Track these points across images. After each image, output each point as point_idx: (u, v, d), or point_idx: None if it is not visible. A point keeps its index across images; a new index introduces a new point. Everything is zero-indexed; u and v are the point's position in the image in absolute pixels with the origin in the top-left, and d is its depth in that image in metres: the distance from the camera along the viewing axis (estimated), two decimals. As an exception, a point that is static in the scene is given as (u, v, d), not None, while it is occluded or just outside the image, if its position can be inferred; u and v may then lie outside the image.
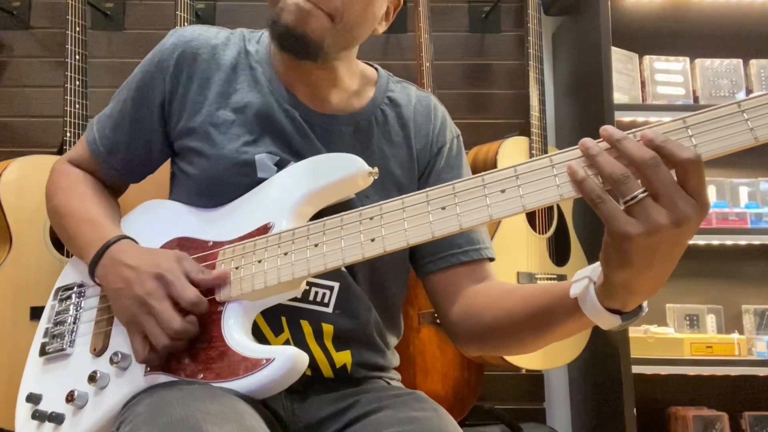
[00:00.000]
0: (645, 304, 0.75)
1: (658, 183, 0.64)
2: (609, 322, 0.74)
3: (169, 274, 0.85)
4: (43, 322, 1.02)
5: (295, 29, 0.91)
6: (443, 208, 0.76)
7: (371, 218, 0.81)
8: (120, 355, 0.88)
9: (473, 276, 1.01)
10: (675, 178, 0.65)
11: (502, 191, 0.72)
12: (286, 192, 0.92)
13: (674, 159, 0.64)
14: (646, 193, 0.65)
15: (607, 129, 0.68)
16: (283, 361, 0.80)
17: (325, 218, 0.84)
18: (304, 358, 0.82)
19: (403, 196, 0.79)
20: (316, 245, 0.83)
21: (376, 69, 1.10)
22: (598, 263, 0.73)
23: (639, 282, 0.70)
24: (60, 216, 1.04)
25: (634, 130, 0.69)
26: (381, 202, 0.81)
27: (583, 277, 0.75)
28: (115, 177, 1.08)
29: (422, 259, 1.03)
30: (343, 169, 0.91)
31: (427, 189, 0.78)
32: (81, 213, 1.01)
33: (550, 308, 0.82)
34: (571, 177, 0.68)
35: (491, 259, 1.04)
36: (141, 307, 0.85)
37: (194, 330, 0.84)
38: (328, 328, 0.94)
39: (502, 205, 0.73)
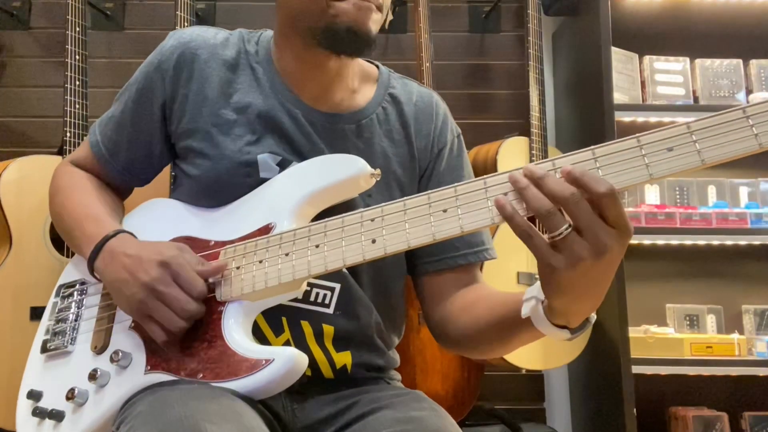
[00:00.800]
0: (592, 315, 0.78)
1: (580, 217, 0.67)
2: (560, 335, 0.78)
3: (175, 262, 0.86)
4: (45, 320, 1.03)
5: (358, 30, 0.92)
6: (445, 211, 0.76)
7: (372, 220, 0.80)
8: (120, 354, 0.88)
9: (461, 281, 1.02)
10: (596, 211, 0.67)
11: (505, 194, 0.72)
12: (288, 193, 0.92)
13: (590, 192, 0.66)
14: (570, 229, 0.67)
15: (528, 168, 0.70)
16: (283, 361, 0.80)
17: (326, 219, 0.84)
18: (303, 359, 0.82)
19: (405, 198, 0.79)
20: (317, 246, 0.83)
21: (377, 66, 1.10)
22: None
23: (575, 306, 0.75)
24: (62, 214, 1.04)
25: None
26: (382, 204, 0.81)
27: (531, 297, 0.78)
28: (118, 179, 1.09)
29: (419, 259, 1.03)
30: (345, 171, 0.91)
31: (429, 191, 0.78)
32: (82, 210, 1.02)
33: (509, 320, 0.85)
34: (500, 212, 0.70)
35: (488, 260, 1.05)
36: (150, 294, 0.85)
37: (203, 313, 0.86)
38: (328, 329, 0.94)
39: None
